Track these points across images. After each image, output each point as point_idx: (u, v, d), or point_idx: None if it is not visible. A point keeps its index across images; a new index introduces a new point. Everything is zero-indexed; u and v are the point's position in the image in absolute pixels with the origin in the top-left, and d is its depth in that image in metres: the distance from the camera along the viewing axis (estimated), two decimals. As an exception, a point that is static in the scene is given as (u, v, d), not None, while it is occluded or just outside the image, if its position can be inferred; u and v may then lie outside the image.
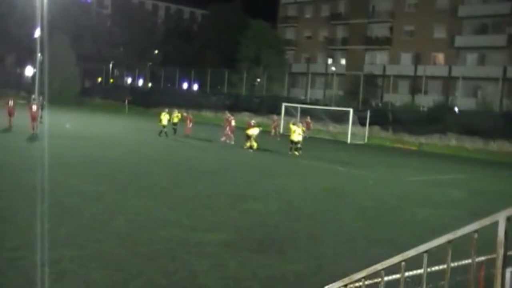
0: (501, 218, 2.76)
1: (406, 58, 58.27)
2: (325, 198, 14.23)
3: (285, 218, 11.04)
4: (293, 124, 26.10)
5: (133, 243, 8.17)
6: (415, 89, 52.33)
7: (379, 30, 61.13)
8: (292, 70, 66.42)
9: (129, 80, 77.97)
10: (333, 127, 42.75)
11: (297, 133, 24.87)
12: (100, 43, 66.99)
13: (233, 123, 29.08)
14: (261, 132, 26.82)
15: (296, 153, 24.63)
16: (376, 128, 41.85)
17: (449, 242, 3.09)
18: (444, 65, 55.19)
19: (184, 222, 9.80)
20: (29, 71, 63.28)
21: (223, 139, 28.74)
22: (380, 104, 52.28)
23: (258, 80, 59.53)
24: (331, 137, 40.57)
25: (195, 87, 67.11)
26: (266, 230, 9.77)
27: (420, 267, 3.40)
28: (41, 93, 35.41)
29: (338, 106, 43.14)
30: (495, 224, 2.78)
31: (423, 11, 55.85)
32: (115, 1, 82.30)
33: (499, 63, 50.61)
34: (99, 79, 75.64)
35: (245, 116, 44.75)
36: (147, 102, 58.74)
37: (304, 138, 28.14)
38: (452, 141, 38.46)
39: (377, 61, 61.38)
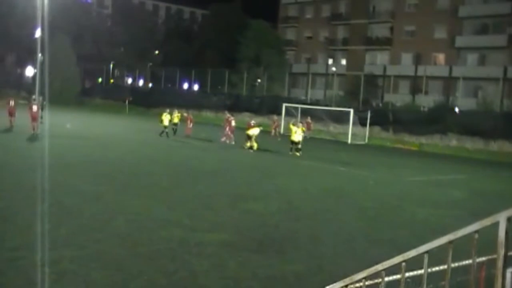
0: (501, 218, 2.76)
1: (407, 58, 58.27)
2: (325, 198, 14.22)
3: (285, 218, 11.04)
4: (293, 124, 26.09)
5: (133, 243, 8.17)
6: (415, 89, 52.33)
7: (380, 30, 61.13)
8: (293, 70, 66.43)
9: (130, 80, 78.01)
10: (333, 128, 42.75)
11: (297, 134, 24.87)
12: (101, 43, 67.01)
13: (233, 123, 29.08)
14: (261, 133, 26.81)
15: (297, 153, 24.62)
16: (377, 129, 41.85)
17: (450, 242, 3.08)
18: (445, 65, 55.18)
19: (184, 222, 9.80)
20: (29, 71, 63.28)
21: (223, 139, 28.74)
22: (380, 104, 52.28)
23: (259, 80, 59.52)
24: (332, 138, 40.57)
25: (196, 87, 67.13)
26: (266, 230, 9.76)
27: (421, 268, 3.39)
28: (41, 93, 35.41)
29: (339, 106, 43.13)
30: (496, 225, 2.78)
31: (423, 11, 55.84)
32: (115, 1, 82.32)
33: (500, 63, 50.61)
34: (100, 79, 75.67)
35: (245, 116, 44.74)
36: (147, 102, 58.76)
37: (305, 138, 28.15)
38: (452, 141, 38.46)
39: (377, 61, 61.37)
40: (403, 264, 3.40)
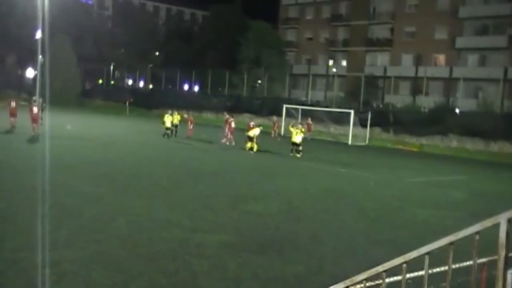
0: (502, 219, 2.76)
1: (407, 59, 58.29)
2: (325, 199, 14.22)
3: (285, 219, 11.04)
4: (292, 126, 26.14)
5: (133, 244, 8.17)
6: (416, 90, 52.32)
7: (380, 32, 61.16)
8: (293, 71, 66.47)
9: (130, 82, 78.06)
10: (334, 129, 42.76)
11: (298, 135, 24.87)
12: (101, 44, 67.06)
13: (232, 124, 29.08)
14: (261, 134, 26.79)
15: (297, 154, 24.62)
16: (377, 130, 41.85)
17: (451, 243, 3.08)
18: (445, 66, 55.19)
19: (184, 223, 9.80)
20: (30, 72, 63.28)
21: (223, 140, 28.75)
22: (381, 105, 52.32)
23: (259, 81, 59.55)
24: (332, 139, 40.57)
25: (196, 88, 67.17)
26: (267, 231, 9.76)
27: (422, 269, 3.39)
28: (41, 94, 35.42)
29: (339, 107, 43.14)
30: (497, 226, 2.78)
31: (423, 12, 55.86)
32: (116, 2, 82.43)
33: (500, 64, 50.63)
34: (100, 81, 75.75)
35: (246, 117, 44.76)
36: (148, 104, 58.83)
37: (305, 139, 28.14)
38: (453, 142, 38.45)
39: (378, 62, 61.40)
40: (404, 265, 3.40)
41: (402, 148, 38.44)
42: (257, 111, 48.63)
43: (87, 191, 12.23)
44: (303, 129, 25.94)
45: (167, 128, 29.16)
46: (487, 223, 2.85)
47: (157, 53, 76.38)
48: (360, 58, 61.81)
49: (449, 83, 52.43)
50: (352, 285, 4.02)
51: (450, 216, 13.00)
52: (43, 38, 38.94)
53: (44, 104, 32.41)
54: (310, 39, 68.75)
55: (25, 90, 59.75)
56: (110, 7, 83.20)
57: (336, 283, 4.26)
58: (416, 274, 4.50)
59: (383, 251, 8.65)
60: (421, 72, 51.99)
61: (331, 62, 64.30)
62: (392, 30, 60.02)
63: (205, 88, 62.26)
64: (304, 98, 56.07)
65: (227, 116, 30.63)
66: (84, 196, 11.62)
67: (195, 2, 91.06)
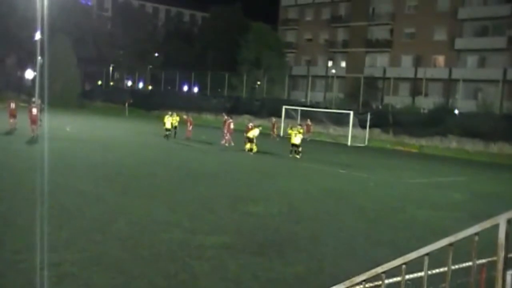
0: (501, 220, 2.77)
1: (407, 60, 58.31)
2: (325, 200, 14.23)
3: (285, 220, 11.04)
4: (290, 129, 26.21)
5: (133, 245, 8.18)
6: (415, 91, 52.37)
7: (380, 33, 61.18)
8: (293, 72, 66.49)
9: (129, 83, 78.08)
10: (333, 130, 42.77)
11: (297, 137, 24.89)
12: (101, 45, 67.07)
13: (231, 125, 29.10)
14: (261, 135, 26.80)
15: (297, 155, 24.64)
16: (377, 131, 41.87)
17: (451, 244, 3.09)
18: (445, 67, 55.22)
19: (184, 224, 9.81)
20: (29, 73, 63.28)
21: (223, 141, 28.76)
22: (380, 107, 52.37)
23: (259, 82, 59.56)
24: (332, 140, 40.58)
25: (195, 89, 67.18)
26: (267, 232, 9.77)
27: (421, 270, 3.40)
28: (40, 96, 35.40)
29: (339, 108, 43.18)
30: (496, 227, 2.79)
31: (423, 13, 55.90)
32: (115, 3, 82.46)
33: (500, 65, 50.66)
34: (99, 82, 75.78)
35: (245, 119, 44.77)
36: (147, 105, 58.86)
37: (305, 140, 28.14)
38: (452, 143, 38.47)
39: (377, 63, 61.41)
40: (403, 266, 3.41)
41: (401, 149, 38.46)
42: (256, 113, 48.63)
43: (87, 192, 12.24)
44: (301, 130, 25.92)
45: (167, 129, 29.21)
46: (487, 224, 2.86)
47: (156, 54, 76.39)
48: (359, 59, 61.83)
49: (449, 84, 52.48)
50: (351, 286, 4.03)
51: (450, 217, 13.01)
52: (42, 39, 38.95)
53: (42, 105, 32.40)
54: (309, 40, 68.78)
55: (25, 91, 59.71)
56: (110, 8, 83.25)
57: (336, 283, 4.26)
58: (415, 275, 4.51)
59: (383, 251, 8.66)
60: (421, 73, 52.02)
61: (330, 63, 64.38)
62: (391, 31, 60.06)
63: (204, 90, 62.27)
64: (303, 99, 56.12)
65: (226, 117, 30.66)
66: (84, 197, 11.63)
67: (194, 3, 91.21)
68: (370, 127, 40.28)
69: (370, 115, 40.76)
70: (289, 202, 13.29)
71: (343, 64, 64.66)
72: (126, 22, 72.91)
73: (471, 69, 52.83)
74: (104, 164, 17.60)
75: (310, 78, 57.70)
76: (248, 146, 25.54)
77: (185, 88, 69.24)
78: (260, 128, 26.79)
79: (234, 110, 48.40)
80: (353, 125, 38.92)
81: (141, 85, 76.96)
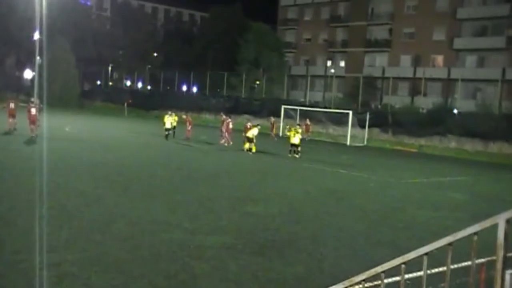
0: (501, 220, 2.78)
1: (406, 60, 58.33)
2: (325, 201, 14.24)
3: (285, 220, 11.05)
4: (288, 130, 26.25)
5: (133, 245, 8.19)
6: (414, 91, 52.37)
7: (379, 33, 61.19)
8: (292, 72, 66.48)
9: (128, 83, 78.04)
10: (332, 130, 42.78)
11: (295, 137, 24.91)
12: (100, 45, 67.02)
13: (230, 125, 29.11)
14: (260, 135, 26.80)
15: (296, 155, 24.66)
16: (376, 130, 41.88)
17: (450, 244, 3.10)
18: (444, 67, 55.24)
19: (184, 225, 9.81)
20: (28, 73, 63.24)
21: (222, 141, 28.78)
22: (379, 106, 52.36)
23: (258, 82, 59.56)
24: (331, 140, 40.59)
25: (195, 89, 67.15)
26: (267, 233, 9.77)
27: (420, 269, 3.41)
28: (39, 96, 35.40)
29: (338, 108, 43.17)
30: (495, 226, 2.80)
31: (422, 13, 55.92)
32: (114, 3, 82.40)
33: (498, 65, 50.69)
34: (98, 82, 75.74)
35: (244, 118, 44.74)
36: (147, 105, 58.85)
37: (304, 140, 28.15)
38: (452, 143, 38.50)
39: (376, 63, 61.43)
40: (403, 266, 3.42)
41: (401, 149, 38.48)
42: (255, 112, 48.61)
43: (87, 192, 12.24)
44: (299, 130, 25.90)
45: (167, 129, 29.24)
46: (486, 223, 2.87)
47: (155, 54, 76.38)
48: (358, 59, 61.85)
49: (448, 84, 52.48)
50: (350, 286, 4.04)
51: (451, 217, 13.03)
52: (41, 40, 38.94)
53: (41, 105, 32.40)
54: (308, 40, 68.77)
55: (23, 91, 59.66)
56: (109, 8, 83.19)
57: (336, 284, 4.28)
58: (415, 274, 4.52)
59: (383, 252, 8.67)
60: (420, 73, 52.04)
61: (329, 63, 64.39)
62: (390, 31, 60.07)
63: (203, 89, 62.26)
64: (302, 99, 56.11)
65: (224, 116, 30.69)
66: (84, 197, 11.64)
67: (193, 3, 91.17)
68: (369, 127, 40.28)
69: (369, 114, 40.78)
70: (289, 202, 13.30)
71: (342, 63, 64.66)
72: (125, 22, 72.88)
73: (470, 69, 52.83)
74: (104, 164, 17.60)
75: (309, 78, 57.70)
76: (247, 145, 25.55)
77: (184, 88, 69.20)
78: (259, 126, 26.74)
79: (234, 110, 48.43)
80: (352, 125, 38.93)
81: (140, 85, 76.94)
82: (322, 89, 62.72)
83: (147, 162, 19.38)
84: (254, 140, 25.40)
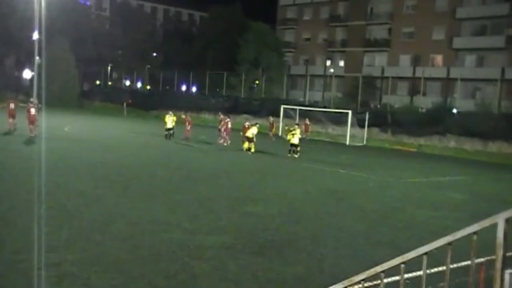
0: (500, 220, 2.78)
1: (405, 59, 58.35)
2: (325, 200, 14.24)
3: (285, 220, 11.06)
4: (287, 132, 26.28)
5: (133, 245, 8.19)
6: (414, 91, 52.41)
7: (378, 32, 61.23)
8: (291, 72, 66.50)
9: (127, 83, 78.03)
10: (332, 129, 42.80)
11: (295, 137, 24.93)
12: (99, 45, 67.02)
13: (229, 124, 29.13)
14: (259, 134, 26.81)
15: (295, 155, 24.68)
16: (375, 130, 41.90)
17: (449, 244, 3.11)
18: (443, 67, 55.28)
19: (184, 225, 9.81)
20: (27, 73, 63.23)
21: (221, 141, 28.79)
22: (379, 106, 52.37)
23: (257, 82, 59.56)
24: (330, 139, 40.61)
25: (194, 89, 67.15)
26: (267, 233, 9.78)
27: (420, 269, 3.42)
28: (38, 96, 35.38)
29: (337, 108, 43.20)
30: (495, 226, 2.81)
31: (422, 12, 55.95)
32: (114, 3, 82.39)
33: (498, 65, 50.74)
34: (98, 82, 75.71)
35: (244, 118, 44.74)
36: (146, 105, 58.84)
37: (303, 140, 28.15)
38: (451, 142, 38.52)
39: (376, 63, 61.46)
40: (402, 265, 3.43)
41: (400, 148, 38.50)
42: (255, 112, 48.63)
43: (87, 192, 12.24)
44: (294, 132, 25.84)
45: (168, 129, 29.26)
46: (485, 223, 2.88)
47: (155, 54, 76.37)
48: (358, 59, 61.87)
49: (447, 84, 52.51)
50: (350, 285, 4.05)
51: (450, 216, 13.04)
52: (41, 39, 38.91)
53: (39, 105, 32.38)
54: (308, 39, 68.78)
55: (23, 91, 59.63)
56: (108, 8, 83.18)
57: (336, 284, 4.29)
58: (414, 274, 4.53)
59: (383, 252, 8.68)
60: (419, 72, 52.08)
61: (329, 63, 64.39)
62: (390, 30, 60.10)
63: (203, 89, 62.26)
64: (302, 99, 56.12)
65: (222, 116, 30.70)
66: (84, 197, 11.64)
67: (193, 3, 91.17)
68: (368, 126, 40.30)
69: (369, 114, 40.78)
70: (288, 202, 13.31)
71: (342, 63, 64.69)
72: (124, 22, 72.87)
73: (470, 68, 52.88)
74: (104, 164, 17.59)
75: (308, 78, 57.74)
76: (246, 145, 25.56)
77: (184, 88, 69.18)
78: (257, 125, 26.74)
79: (233, 109, 48.44)
80: (352, 125, 38.95)
81: (139, 85, 76.93)
82: (322, 88, 62.74)
83: (147, 162, 19.38)
84: (254, 140, 25.41)
